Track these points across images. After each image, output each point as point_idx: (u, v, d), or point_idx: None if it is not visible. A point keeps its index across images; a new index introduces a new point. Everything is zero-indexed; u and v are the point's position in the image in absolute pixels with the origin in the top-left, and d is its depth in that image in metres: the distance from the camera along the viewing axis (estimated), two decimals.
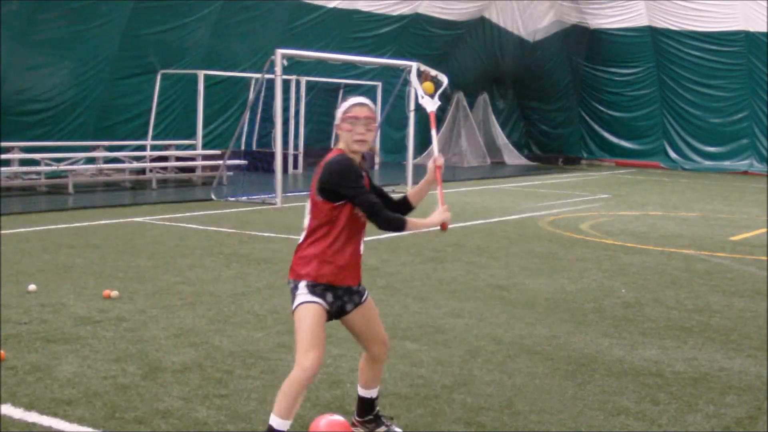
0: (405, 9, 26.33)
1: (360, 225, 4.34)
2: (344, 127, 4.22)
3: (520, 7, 30.09)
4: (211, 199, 16.40)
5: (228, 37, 21.66)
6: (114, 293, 7.83)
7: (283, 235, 11.75)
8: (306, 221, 4.33)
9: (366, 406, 4.68)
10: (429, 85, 4.82)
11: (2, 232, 11.35)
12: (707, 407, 5.38)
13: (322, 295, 4.25)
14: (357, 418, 4.71)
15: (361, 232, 4.38)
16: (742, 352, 6.73)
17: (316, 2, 23.50)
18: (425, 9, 26.96)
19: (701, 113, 30.89)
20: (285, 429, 4.18)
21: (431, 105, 4.76)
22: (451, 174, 24.65)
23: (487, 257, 10.74)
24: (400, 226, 4.27)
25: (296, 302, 4.26)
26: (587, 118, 33.49)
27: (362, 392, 4.67)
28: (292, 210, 14.87)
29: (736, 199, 20.31)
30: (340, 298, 4.34)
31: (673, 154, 31.74)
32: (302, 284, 4.26)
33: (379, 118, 25.21)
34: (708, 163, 30.97)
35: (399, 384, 5.61)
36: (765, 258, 11.38)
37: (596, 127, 33.33)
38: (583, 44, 32.07)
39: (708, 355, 6.58)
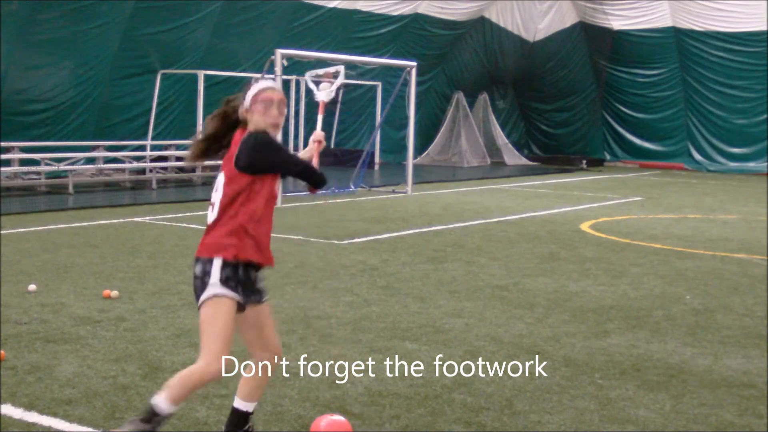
0: (405, 9, 26.32)
1: (273, 199, 4.21)
2: (257, 110, 4.12)
3: (521, 7, 30.06)
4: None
5: (228, 37, 21.65)
6: (114, 293, 7.83)
7: (282, 235, 11.74)
8: (217, 196, 4.14)
9: (239, 420, 4.32)
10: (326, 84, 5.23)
11: (2, 232, 11.35)
12: None
13: (235, 288, 4.02)
14: (224, 428, 4.39)
15: (273, 207, 4.23)
16: None
17: (316, 2, 23.50)
18: (425, 9, 26.95)
19: (725, 114, 30.45)
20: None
21: (325, 95, 5.21)
22: (451, 174, 24.63)
23: (488, 257, 10.76)
24: (324, 179, 4.40)
25: (208, 293, 4.01)
26: (610, 119, 33.11)
27: (238, 404, 4.32)
28: (291, 210, 14.87)
29: None
30: (249, 291, 4.11)
31: (697, 156, 31.32)
32: (217, 263, 4.02)
33: (379, 118, 25.26)
34: (733, 164, 30.53)
35: (399, 384, 5.61)
36: None
37: (619, 128, 32.96)
38: (606, 46, 31.74)
39: None
